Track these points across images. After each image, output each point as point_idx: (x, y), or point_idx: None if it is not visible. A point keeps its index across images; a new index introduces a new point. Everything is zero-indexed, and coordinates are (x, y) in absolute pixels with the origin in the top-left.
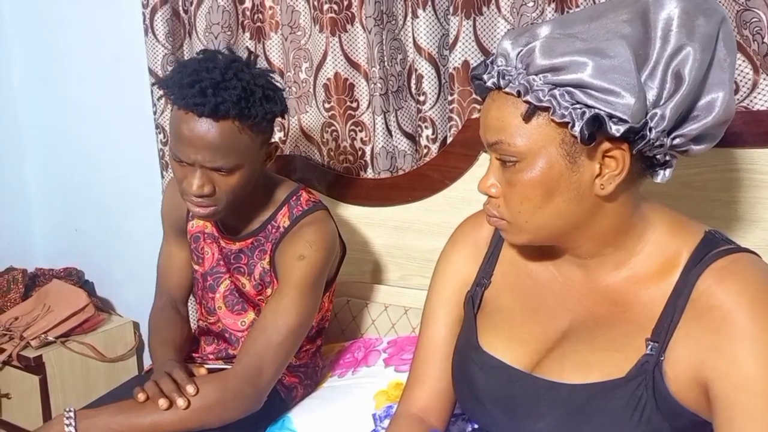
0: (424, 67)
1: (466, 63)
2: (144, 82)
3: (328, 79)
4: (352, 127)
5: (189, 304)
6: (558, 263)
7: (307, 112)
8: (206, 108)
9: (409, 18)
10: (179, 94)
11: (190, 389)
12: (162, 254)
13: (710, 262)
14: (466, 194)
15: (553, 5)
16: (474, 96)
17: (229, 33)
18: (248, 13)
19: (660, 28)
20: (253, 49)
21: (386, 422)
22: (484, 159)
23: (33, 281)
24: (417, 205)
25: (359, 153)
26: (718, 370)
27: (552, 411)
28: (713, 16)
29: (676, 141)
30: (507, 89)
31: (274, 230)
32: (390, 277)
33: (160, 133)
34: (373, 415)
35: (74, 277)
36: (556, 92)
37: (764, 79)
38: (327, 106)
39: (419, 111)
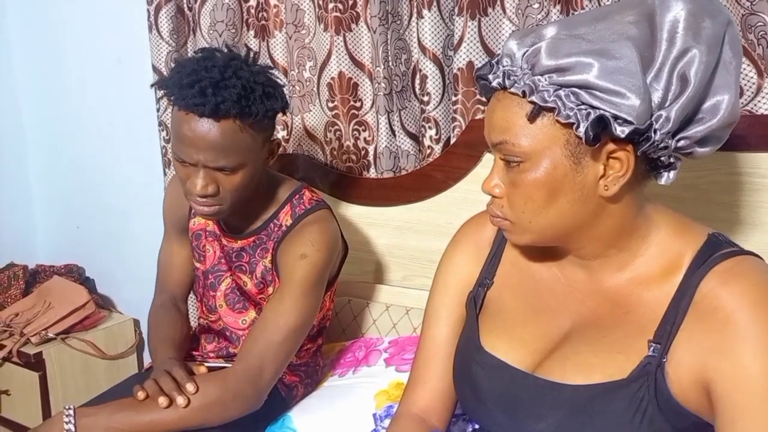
0: (429, 68)
1: (470, 64)
2: (147, 80)
3: (332, 78)
4: (356, 126)
5: (189, 301)
6: (561, 264)
7: (311, 111)
8: (207, 108)
9: (414, 18)
10: (179, 94)
11: (190, 387)
12: (163, 251)
13: (714, 264)
14: (469, 195)
15: (558, 7)
16: (478, 97)
17: (233, 31)
18: (253, 11)
19: (666, 30)
20: (257, 48)
21: (387, 422)
22: (487, 159)
23: (34, 278)
24: (420, 205)
25: (362, 152)
26: (721, 371)
27: (553, 412)
28: (719, 18)
29: (681, 143)
30: (512, 89)
31: (276, 229)
32: (392, 277)
33: (163, 130)
34: (374, 415)
35: (75, 273)
36: (562, 93)
37: None
38: (330, 105)
39: (423, 111)
